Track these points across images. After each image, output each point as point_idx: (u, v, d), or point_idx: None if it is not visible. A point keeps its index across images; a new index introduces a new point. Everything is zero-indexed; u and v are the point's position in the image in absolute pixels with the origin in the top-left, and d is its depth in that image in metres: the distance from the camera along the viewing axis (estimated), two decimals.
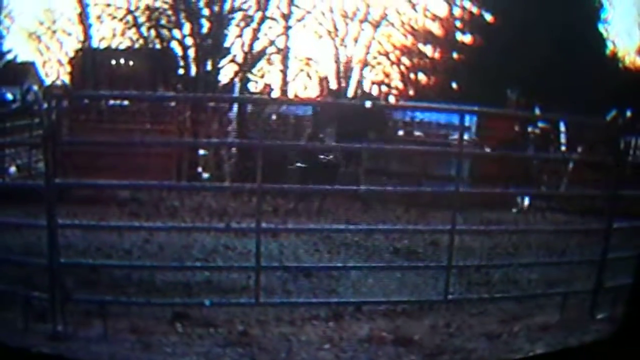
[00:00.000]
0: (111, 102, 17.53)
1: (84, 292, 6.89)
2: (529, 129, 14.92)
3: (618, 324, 5.93)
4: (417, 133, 18.19)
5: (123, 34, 21.69)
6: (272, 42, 23.05)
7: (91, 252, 8.83)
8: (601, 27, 22.63)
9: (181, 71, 21.43)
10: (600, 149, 10.87)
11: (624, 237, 7.26)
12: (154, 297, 7.41)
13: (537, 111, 14.23)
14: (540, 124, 15.07)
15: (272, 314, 7.18)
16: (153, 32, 21.77)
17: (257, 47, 22.70)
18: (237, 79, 22.20)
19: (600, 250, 7.09)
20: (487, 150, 13.42)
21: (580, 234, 9.28)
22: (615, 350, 5.18)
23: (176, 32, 21.54)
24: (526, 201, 14.08)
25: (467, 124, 13.38)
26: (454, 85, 23.76)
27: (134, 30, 21.62)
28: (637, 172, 8.52)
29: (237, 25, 22.16)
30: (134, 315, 6.73)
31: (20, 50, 24.07)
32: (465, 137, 11.61)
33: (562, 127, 15.21)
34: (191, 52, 21.37)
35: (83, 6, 20.83)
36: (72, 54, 21.93)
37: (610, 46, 23.26)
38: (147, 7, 21.36)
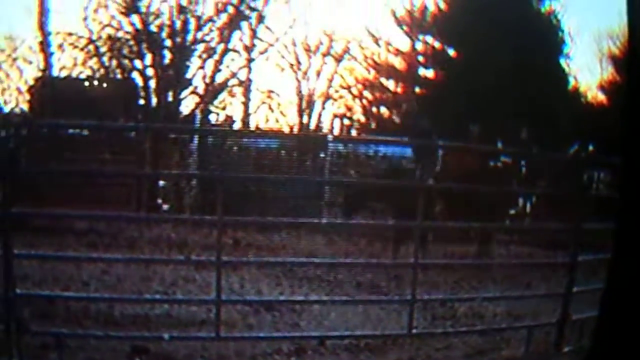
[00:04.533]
0: (70, 131, 17.37)
1: (41, 324, 6.74)
2: (492, 163, 15.05)
3: (584, 357, 5.94)
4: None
5: (84, 63, 21.61)
6: (234, 74, 23.12)
7: (48, 283, 8.66)
8: (563, 63, 23.07)
9: (142, 101, 21.35)
10: (564, 183, 10.99)
11: (588, 270, 7.33)
12: (112, 330, 7.27)
13: (500, 145, 14.38)
14: (502, 158, 15.22)
15: (233, 348, 7.09)
16: (114, 62, 21.71)
17: (219, 78, 22.76)
18: (198, 111, 22.18)
19: (566, 283, 7.14)
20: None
21: (545, 267, 9.34)
22: None
23: (138, 63, 21.52)
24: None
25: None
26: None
27: (95, 59, 21.55)
28: (600, 205, 8.62)
29: (199, 57, 22.21)
30: (92, 348, 6.60)
31: None
32: None
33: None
34: (152, 83, 21.34)
35: (45, 34, 20.70)
36: (32, 82, 21.73)
37: (572, 81, 23.73)
38: (109, 37, 21.34)
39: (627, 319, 4.44)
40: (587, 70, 30.24)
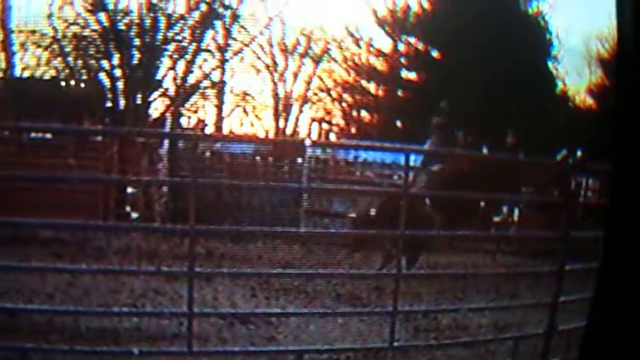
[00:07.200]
0: (33, 135, 17.28)
1: (3, 338, 6.73)
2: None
3: None
4: (368, 173, 18.34)
5: (48, 63, 21.48)
6: (206, 76, 23.07)
7: (10, 295, 8.63)
8: (551, 65, 23.25)
9: (109, 104, 21.26)
10: (551, 190, 11.11)
11: (576, 279, 7.41)
12: (79, 344, 7.27)
13: (485, 151, 14.49)
14: None
15: None
16: (80, 62, 21.59)
17: (191, 80, 22.69)
18: (168, 114, 22.11)
19: (552, 292, 7.22)
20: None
21: (531, 277, 9.43)
22: None
23: (105, 63, 21.42)
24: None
25: (412, 163, 13.53)
26: (399, 123, 24.06)
27: (60, 59, 21.43)
28: (588, 212, 8.72)
29: (170, 57, 22.14)
30: None
31: None
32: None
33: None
34: (120, 84, 21.24)
35: (6, 32, 20.59)
36: None
37: (560, 84, 23.90)
38: (75, 35, 21.22)
39: (616, 329, 4.51)
40: (576, 73, 30.38)
